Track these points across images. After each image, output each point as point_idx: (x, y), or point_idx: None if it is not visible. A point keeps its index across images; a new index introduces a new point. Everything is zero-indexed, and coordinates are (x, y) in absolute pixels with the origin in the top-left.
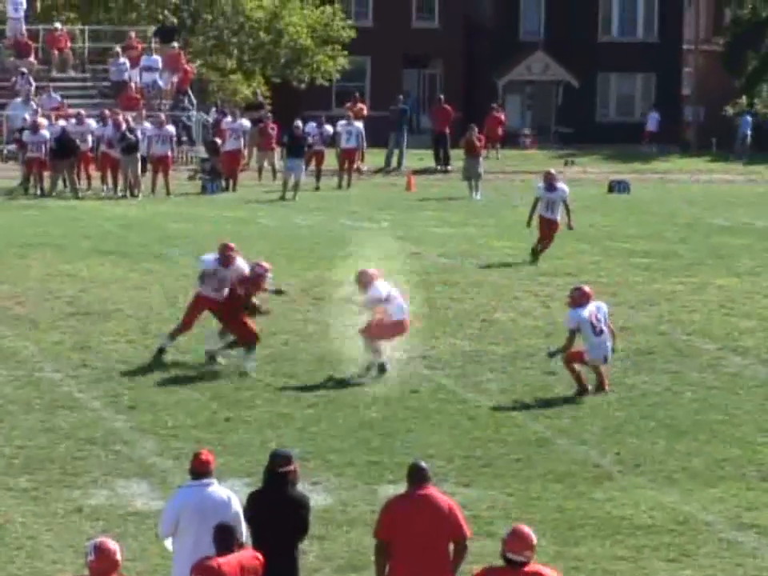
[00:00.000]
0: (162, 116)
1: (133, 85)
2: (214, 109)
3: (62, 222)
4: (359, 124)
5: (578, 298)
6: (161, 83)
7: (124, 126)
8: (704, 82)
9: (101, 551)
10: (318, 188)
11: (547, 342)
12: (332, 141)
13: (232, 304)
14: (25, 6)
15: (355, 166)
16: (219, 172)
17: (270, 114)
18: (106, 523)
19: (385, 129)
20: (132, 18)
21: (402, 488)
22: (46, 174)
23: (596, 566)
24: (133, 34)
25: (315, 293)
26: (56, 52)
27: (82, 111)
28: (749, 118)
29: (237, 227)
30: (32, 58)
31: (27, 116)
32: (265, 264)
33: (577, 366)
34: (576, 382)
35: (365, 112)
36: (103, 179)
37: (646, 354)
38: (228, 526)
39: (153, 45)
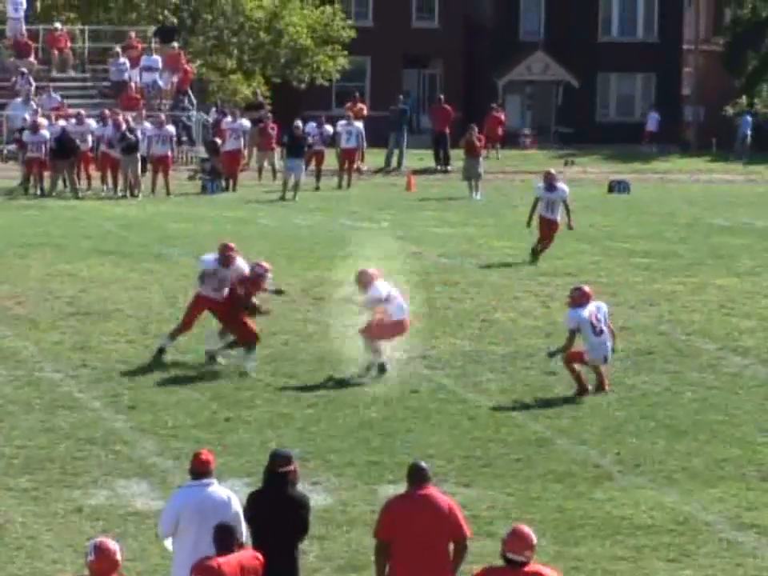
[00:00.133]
0: (162, 116)
1: (133, 85)
2: (214, 109)
3: (62, 222)
4: (359, 124)
5: (578, 298)
6: (161, 83)
7: (124, 126)
8: (704, 82)
9: (101, 551)
10: (318, 188)
11: (547, 342)
12: (332, 141)
13: (232, 304)
14: (25, 5)
15: (355, 165)
16: (219, 172)
17: (270, 114)
18: (105, 523)
19: (385, 129)
20: (132, 18)
21: (402, 488)
22: (46, 173)
23: (596, 566)
24: (133, 34)
25: (315, 293)
26: (56, 52)
27: (82, 111)
28: (749, 118)
29: (237, 227)
30: (32, 58)
31: (27, 116)
32: (265, 264)
33: (577, 366)
34: (576, 382)
35: (365, 112)
36: (103, 179)
37: (645, 353)
38: (228, 526)
39: (153, 45)
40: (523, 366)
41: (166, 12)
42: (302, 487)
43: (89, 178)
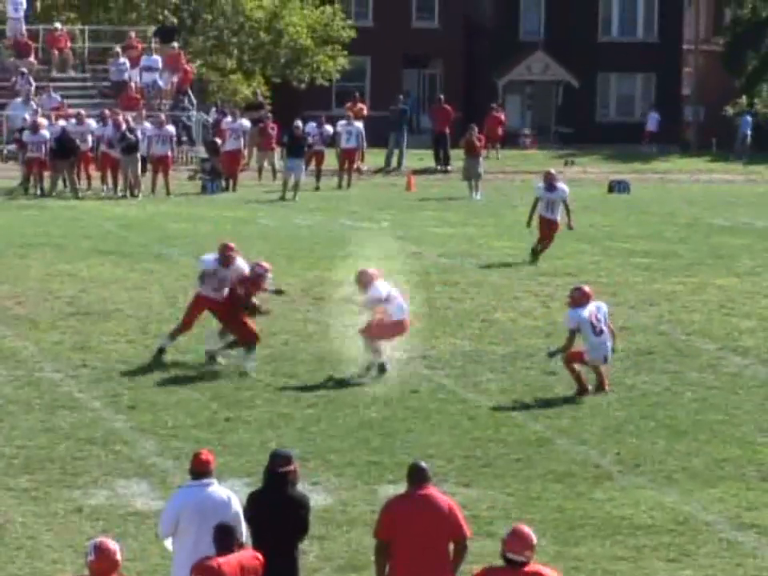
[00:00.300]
0: (162, 116)
1: (133, 85)
2: (214, 109)
3: (62, 222)
4: (359, 124)
5: (578, 298)
6: (161, 83)
7: (124, 126)
8: (704, 82)
9: (101, 551)
10: (318, 188)
11: (547, 342)
12: (332, 141)
13: (232, 304)
14: (25, 5)
15: (355, 165)
16: (219, 172)
17: (270, 114)
18: (105, 523)
19: (385, 129)
20: (132, 18)
21: (401, 488)
22: (46, 173)
23: (596, 566)
24: (133, 34)
25: (315, 293)
26: (56, 52)
27: (82, 111)
28: (749, 118)
29: (237, 227)
30: (32, 58)
31: (27, 116)
32: (265, 264)
33: (577, 366)
34: (576, 382)
35: (365, 112)
36: (103, 179)
37: (646, 353)
38: (228, 526)
39: (153, 45)
40: (523, 366)
41: (166, 12)
42: (302, 487)
43: (89, 178)
